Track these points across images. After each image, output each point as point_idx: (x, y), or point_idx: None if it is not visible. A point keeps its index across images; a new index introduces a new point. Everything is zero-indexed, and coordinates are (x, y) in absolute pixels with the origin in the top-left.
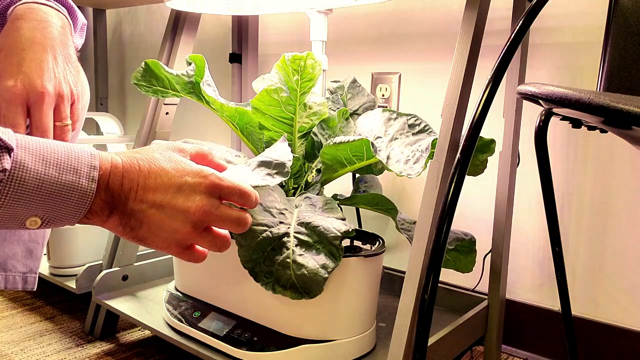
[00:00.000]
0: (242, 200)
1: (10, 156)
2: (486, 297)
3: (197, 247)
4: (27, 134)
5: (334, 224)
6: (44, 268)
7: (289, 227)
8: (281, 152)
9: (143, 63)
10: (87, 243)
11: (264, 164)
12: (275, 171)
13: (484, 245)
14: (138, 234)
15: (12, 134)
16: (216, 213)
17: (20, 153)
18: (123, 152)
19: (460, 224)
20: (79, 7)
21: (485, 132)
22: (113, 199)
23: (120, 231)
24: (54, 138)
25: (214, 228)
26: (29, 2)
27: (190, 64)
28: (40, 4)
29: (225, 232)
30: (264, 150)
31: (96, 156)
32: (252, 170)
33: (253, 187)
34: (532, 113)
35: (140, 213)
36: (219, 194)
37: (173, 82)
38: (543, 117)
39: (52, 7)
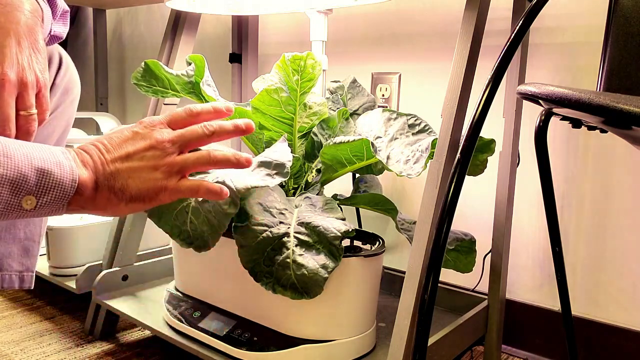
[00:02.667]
0: (205, 115)
1: None
2: (486, 297)
3: (191, 180)
4: None
5: (334, 224)
6: (44, 268)
7: (289, 227)
8: (281, 152)
9: (143, 63)
10: (87, 243)
11: (263, 164)
12: (275, 171)
13: (484, 245)
14: (128, 191)
15: None
16: (177, 137)
17: None
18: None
19: (460, 224)
20: (79, 7)
21: (485, 132)
22: (92, 171)
23: (114, 201)
24: (18, 128)
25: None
26: None
27: (190, 64)
28: None
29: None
30: (264, 150)
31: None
32: (251, 170)
33: (252, 187)
34: (532, 113)
35: (115, 172)
36: (154, 127)
37: (173, 82)
38: (543, 117)
39: None
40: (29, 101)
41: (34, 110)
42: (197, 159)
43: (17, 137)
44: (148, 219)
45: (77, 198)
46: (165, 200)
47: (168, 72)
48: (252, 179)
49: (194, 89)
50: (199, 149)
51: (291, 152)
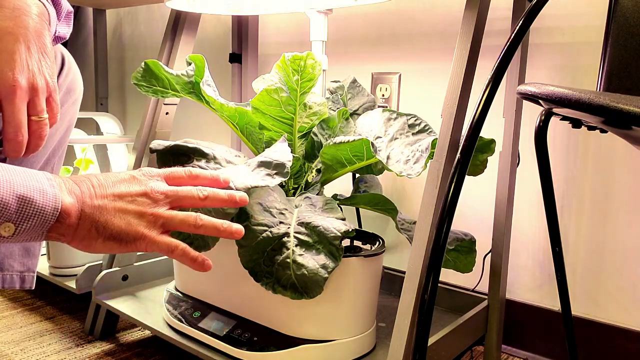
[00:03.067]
0: (203, 179)
1: None
2: (486, 297)
3: (171, 239)
4: (3, 128)
5: (334, 224)
6: (44, 268)
7: (289, 227)
8: (281, 152)
9: (143, 63)
10: None
11: (263, 164)
12: (275, 171)
13: (484, 245)
14: (109, 229)
15: None
16: (172, 193)
17: None
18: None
19: (460, 224)
20: (79, 7)
21: (485, 132)
22: (77, 201)
23: (93, 234)
24: (30, 133)
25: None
26: None
27: (190, 64)
28: None
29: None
30: (264, 150)
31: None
32: (252, 170)
33: (253, 187)
34: (532, 113)
35: (103, 207)
36: (151, 177)
37: (173, 82)
38: (543, 117)
39: None
40: (40, 106)
41: (45, 115)
42: (183, 220)
43: (29, 142)
44: None
45: (57, 226)
46: (141, 248)
47: (168, 72)
48: (252, 178)
49: (194, 89)
50: (188, 211)
51: (291, 152)
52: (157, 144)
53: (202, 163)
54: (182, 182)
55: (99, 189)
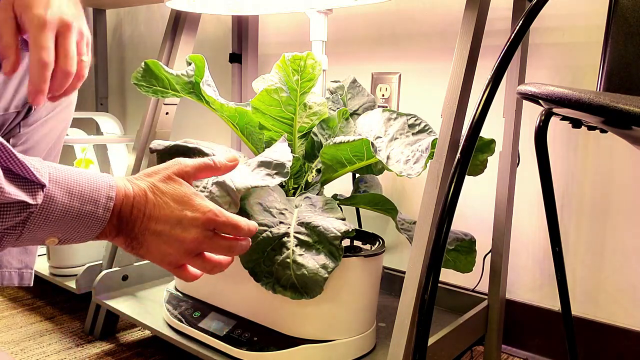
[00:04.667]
0: (236, 232)
1: (43, 191)
2: (486, 297)
3: (190, 268)
4: (55, 60)
5: (334, 224)
6: (44, 268)
7: (289, 227)
8: (281, 152)
9: (143, 63)
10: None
11: (263, 164)
12: (275, 171)
13: (484, 245)
14: (138, 252)
15: (45, 166)
16: (209, 243)
17: (51, 187)
18: (137, 178)
19: (460, 224)
20: None
21: (485, 132)
22: (121, 224)
23: (123, 247)
24: (76, 72)
25: (207, 254)
26: None
27: (190, 64)
28: None
29: (218, 257)
30: (264, 150)
31: (114, 187)
32: (252, 170)
33: (252, 187)
34: (532, 113)
35: (142, 237)
36: (214, 227)
37: (173, 82)
38: (543, 117)
39: None
40: (82, 49)
41: (87, 58)
42: (212, 269)
43: (72, 82)
44: None
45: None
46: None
47: (168, 72)
48: (253, 178)
49: (194, 89)
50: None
51: (291, 152)
52: (157, 144)
53: None
54: (226, 229)
55: (147, 221)
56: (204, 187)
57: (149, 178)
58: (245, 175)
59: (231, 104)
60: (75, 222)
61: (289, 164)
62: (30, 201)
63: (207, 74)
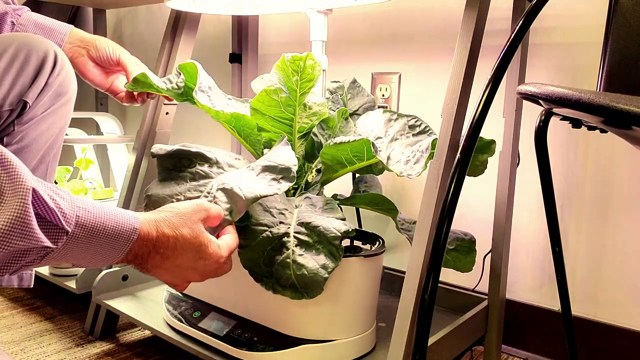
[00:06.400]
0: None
1: (67, 236)
2: (486, 297)
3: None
4: None
5: (334, 224)
6: (44, 268)
7: (289, 227)
8: (286, 156)
9: (132, 78)
10: None
11: (268, 168)
12: (280, 176)
13: (484, 245)
14: (143, 272)
15: (75, 208)
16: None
17: (76, 230)
18: (162, 216)
19: (460, 224)
20: (79, 7)
21: (485, 132)
22: (135, 259)
23: (132, 265)
24: None
25: None
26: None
27: (179, 74)
28: None
29: None
30: (262, 152)
31: (137, 229)
32: (256, 175)
33: (262, 196)
34: (532, 113)
35: (152, 269)
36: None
37: (165, 93)
38: (543, 117)
39: None
40: None
41: None
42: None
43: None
44: None
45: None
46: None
47: (158, 85)
48: (261, 187)
49: (188, 97)
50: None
51: None
52: (159, 148)
53: (205, 167)
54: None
55: (161, 260)
56: (208, 192)
57: (182, 226)
58: (253, 181)
59: (227, 111)
60: (90, 257)
61: (294, 168)
62: (52, 246)
63: (203, 78)
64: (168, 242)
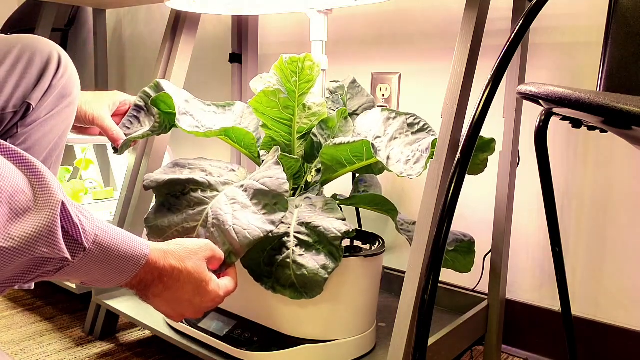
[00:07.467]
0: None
1: (84, 253)
2: (486, 297)
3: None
4: None
5: (334, 224)
6: None
7: (289, 227)
8: (277, 179)
9: (120, 145)
10: None
11: (261, 193)
12: (274, 202)
13: (484, 245)
14: (144, 300)
15: (94, 227)
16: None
17: (93, 248)
18: (170, 248)
19: (460, 224)
20: (79, 7)
21: (485, 132)
22: (140, 284)
23: (133, 291)
24: None
25: None
26: None
27: (150, 108)
28: None
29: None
30: (258, 153)
31: (147, 256)
32: (249, 199)
33: (257, 240)
34: (532, 113)
35: (152, 297)
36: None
37: (150, 135)
38: (543, 117)
39: None
40: None
41: None
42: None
43: None
44: None
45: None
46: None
47: (141, 134)
48: (255, 228)
49: (172, 125)
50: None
51: (291, 153)
52: (151, 180)
53: (199, 194)
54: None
55: (163, 290)
56: (205, 221)
57: (187, 260)
58: (246, 218)
59: (212, 107)
60: (100, 277)
61: (287, 195)
62: (70, 259)
63: (184, 97)
64: (173, 273)
